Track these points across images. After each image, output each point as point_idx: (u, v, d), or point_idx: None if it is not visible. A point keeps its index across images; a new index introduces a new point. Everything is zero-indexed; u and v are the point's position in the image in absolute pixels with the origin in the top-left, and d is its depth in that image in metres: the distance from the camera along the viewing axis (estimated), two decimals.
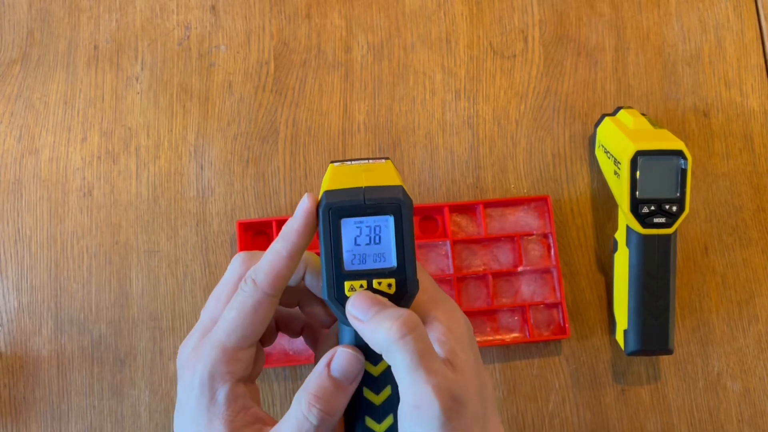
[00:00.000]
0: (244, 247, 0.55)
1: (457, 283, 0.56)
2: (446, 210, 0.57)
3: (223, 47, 0.60)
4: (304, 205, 0.35)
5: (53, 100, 0.59)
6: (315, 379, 0.34)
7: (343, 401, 0.34)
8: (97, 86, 0.59)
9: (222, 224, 0.57)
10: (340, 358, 0.35)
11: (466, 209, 0.58)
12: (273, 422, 0.35)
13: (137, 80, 0.60)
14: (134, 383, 0.55)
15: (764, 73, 0.62)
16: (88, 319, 0.56)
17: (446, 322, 0.35)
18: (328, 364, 0.35)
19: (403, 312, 0.33)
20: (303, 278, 0.38)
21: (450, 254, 0.56)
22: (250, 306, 0.35)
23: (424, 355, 0.32)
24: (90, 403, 0.55)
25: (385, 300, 0.34)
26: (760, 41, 0.63)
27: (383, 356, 0.33)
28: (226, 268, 0.55)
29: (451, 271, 0.56)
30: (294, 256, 0.35)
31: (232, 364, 0.34)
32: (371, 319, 0.33)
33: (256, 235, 0.57)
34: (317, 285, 0.38)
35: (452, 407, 0.32)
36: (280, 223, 0.56)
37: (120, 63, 0.60)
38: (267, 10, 0.61)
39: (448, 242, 0.57)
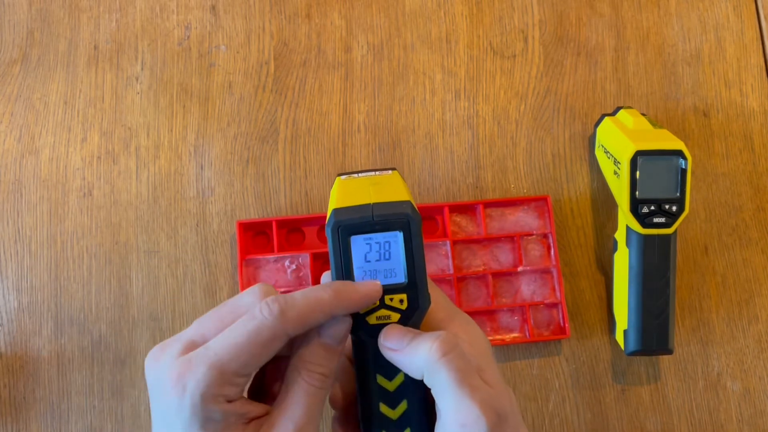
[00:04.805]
0: (244, 247, 0.55)
1: (457, 283, 0.56)
2: (446, 210, 0.57)
3: (223, 47, 0.60)
4: (376, 287, 0.35)
5: (53, 100, 0.59)
6: (308, 348, 0.35)
7: (336, 362, 0.35)
8: (97, 86, 0.59)
9: (222, 224, 0.57)
10: (331, 325, 0.35)
11: (466, 209, 0.58)
12: (265, 408, 0.35)
13: (137, 80, 0.60)
14: (134, 383, 0.55)
15: (764, 73, 0.62)
16: (88, 319, 0.56)
17: (467, 338, 0.35)
18: (319, 334, 0.35)
19: (439, 333, 0.34)
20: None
21: (450, 254, 0.56)
22: (264, 336, 0.32)
23: (466, 373, 0.33)
24: (90, 403, 0.55)
25: (416, 330, 0.35)
26: (760, 41, 0.63)
27: (424, 378, 0.33)
28: (226, 268, 0.57)
29: (451, 271, 0.56)
30: (332, 315, 0.34)
31: (228, 388, 0.32)
32: (408, 346, 0.34)
33: (257, 235, 0.57)
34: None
35: (497, 422, 0.32)
36: (280, 223, 0.56)
37: (120, 63, 0.60)
38: (267, 10, 0.61)
39: (448, 242, 0.57)
